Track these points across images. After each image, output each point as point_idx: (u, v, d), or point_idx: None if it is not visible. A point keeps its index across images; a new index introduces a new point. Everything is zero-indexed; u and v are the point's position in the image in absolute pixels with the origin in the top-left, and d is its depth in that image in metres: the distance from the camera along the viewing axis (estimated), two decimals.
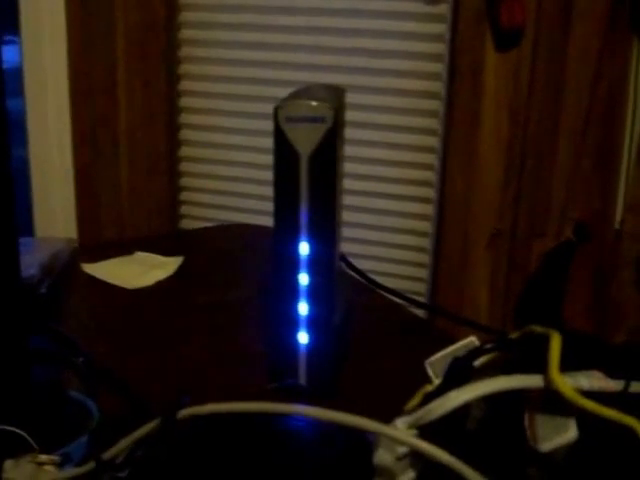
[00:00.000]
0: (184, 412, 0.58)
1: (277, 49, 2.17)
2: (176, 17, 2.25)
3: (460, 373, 0.55)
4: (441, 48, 2.02)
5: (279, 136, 0.73)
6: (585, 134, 1.92)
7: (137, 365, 0.86)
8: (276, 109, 0.72)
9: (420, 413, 0.51)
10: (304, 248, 0.75)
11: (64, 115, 2.35)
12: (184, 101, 2.32)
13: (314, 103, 0.72)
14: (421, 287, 2.17)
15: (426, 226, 2.13)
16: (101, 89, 2.31)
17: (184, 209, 2.39)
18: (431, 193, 2.11)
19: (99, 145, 2.35)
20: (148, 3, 2.22)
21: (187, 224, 2.38)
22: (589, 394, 0.49)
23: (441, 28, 2.01)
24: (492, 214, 2.04)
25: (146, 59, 2.26)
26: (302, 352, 0.78)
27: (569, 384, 0.49)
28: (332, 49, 2.11)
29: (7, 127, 0.61)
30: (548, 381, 0.49)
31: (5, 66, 0.62)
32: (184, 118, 2.34)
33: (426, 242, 2.14)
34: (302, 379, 0.79)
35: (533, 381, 0.50)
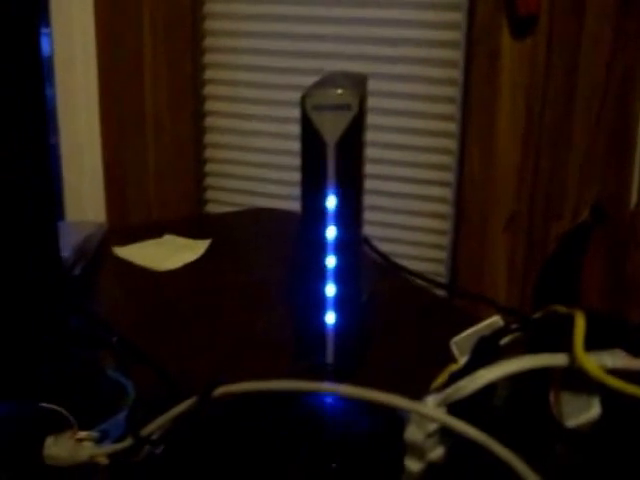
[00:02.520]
0: (219, 390, 0.59)
1: (299, 39, 2.20)
2: (201, 8, 2.27)
3: (487, 352, 0.56)
4: (458, 36, 2.03)
5: (306, 124, 0.74)
6: (600, 117, 1.93)
7: (167, 345, 0.87)
8: (303, 98, 0.73)
9: (449, 391, 0.53)
10: (331, 232, 0.77)
11: (93, 103, 2.38)
12: (209, 89, 2.35)
13: (340, 91, 0.73)
14: (440, 268, 2.18)
15: (445, 209, 2.15)
16: (129, 78, 2.34)
17: (209, 194, 2.41)
18: (450, 177, 2.12)
19: (127, 132, 2.38)
20: None
21: (212, 208, 2.41)
22: (613, 372, 0.50)
23: (458, 16, 2.02)
24: (510, 197, 2.05)
25: (172, 49, 2.29)
26: (329, 332, 0.80)
27: (594, 362, 0.50)
28: (352, 38, 2.13)
29: (46, 115, 0.63)
30: (573, 359, 0.50)
31: None
32: (209, 106, 2.36)
33: (445, 225, 2.15)
34: (329, 358, 0.81)
35: (559, 360, 0.51)
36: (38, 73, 0.61)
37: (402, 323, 0.96)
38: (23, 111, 0.60)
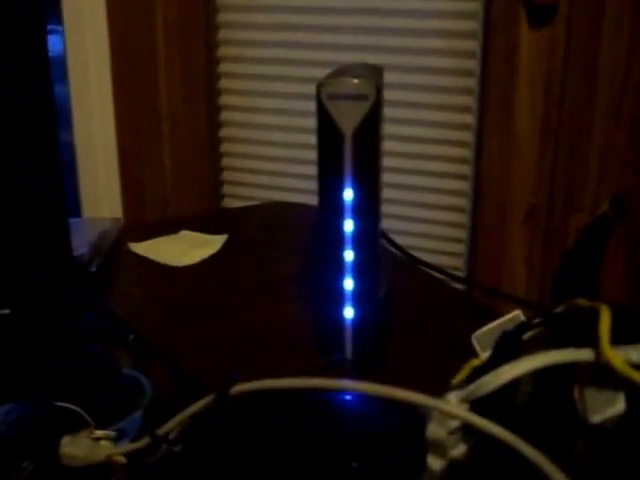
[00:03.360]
0: (238, 388, 0.59)
1: (313, 30, 2.19)
2: (214, 1, 2.27)
3: (510, 347, 0.55)
4: (476, 26, 2.02)
5: (322, 114, 0.73)
6: (620, 108, 1.91)
7: (184, 341, 0.87)
8: (319, 87, 0.72)
9: (472, 387, 0.52)
10: (349, 225, 0.76)
11: (107, 99, 2.39)
12: (223, 83, 2.35)
13: (357, 80, 0.72)
14: (459, 262, 2.18)
15: (463, 202, 2.14)
16: (142, 73, 2.34)
17: (226, 188, 2.42)
18: (468, 170, 2.11)
19: (142, 128, 2.39)
20: None
21: (229, 203, 2.42)
22: (638, 367, 0.49)
23: (475, 6, 2.01)
24: (528, 189, 2.04)
25: (185, 43, 2.29)
26: (348, 327, 0.79)
27: (620, 357, 0.49)
28: (367, 29, 2.13)
29: (54, 114, 0.62)
30: (599, 354, 0.49)
31: (50, 54, 0.63)
32: (224, 100, 2.36)
33: (464, 218, 2.15)
34: (348, 353, 0.80)
35: (584, 355, 0.50)
36: (45, 72, 0.60)
37: (420, 317, 0.95)
38: (30, 111, 0.59)
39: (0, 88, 0.59)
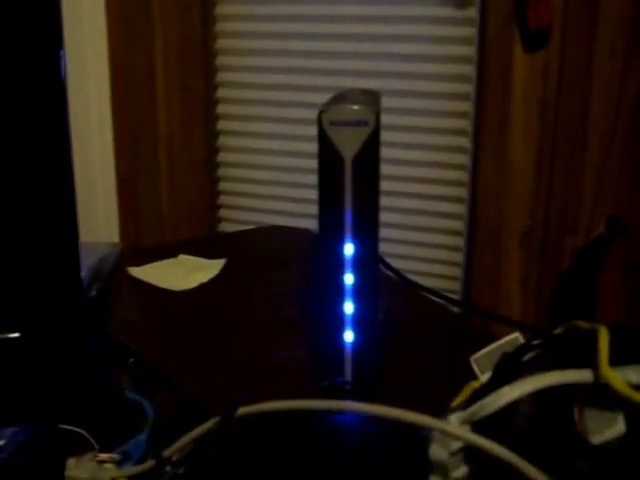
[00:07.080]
0: (243, 410, 0.59)
1: (311, 56, 2.21)
2: (213, 27, 2.29)
3: (509, 369, 0.56)
4: (470, 51, 2.03)
5: (323, 140, 0.74)
6: (614, 130, 1.92)
7: (183, 365, 0.87)
8: (320, 114, 0.73)
9: (474, 409, 0.52)
10: (349, 249, 0.76)
11: (106, 123, 2.39)
12: (221, 108, 2.36)
13: (357, 107, 0.73)
14: (455, 285, 2.18)
15: (459, 225, 2.14)
16: (141, 98, 2.35)
17: (222, 212, 2.43)
18: (463, 192, 2.12)
19: (140, 153, 2.40)
20: (185, 14, 2.26)
21: (225, 227, 2.42)
22: (637, 387, 0.50)
23: (470, 31, 2.02)
24: (524, 212, 2.05)
25: (184, 69, 2.31)
26: (348, 350, 0.79)
27: (619, 378, 0.50)
28: (364, 54, 2.14)
29: (69, 136, 0.62)
30: (598, 375, 0.50)
31: None
32: (222, 125, 2.37)
33: (459, 241, 2.15)
34: (348, 376, 0.80)
35: (584, 376, 0.51)
36: (60, 92, 0.61)
37: (418, 340, 0.96)
38: (45, 130, 0.60)
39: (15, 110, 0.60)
